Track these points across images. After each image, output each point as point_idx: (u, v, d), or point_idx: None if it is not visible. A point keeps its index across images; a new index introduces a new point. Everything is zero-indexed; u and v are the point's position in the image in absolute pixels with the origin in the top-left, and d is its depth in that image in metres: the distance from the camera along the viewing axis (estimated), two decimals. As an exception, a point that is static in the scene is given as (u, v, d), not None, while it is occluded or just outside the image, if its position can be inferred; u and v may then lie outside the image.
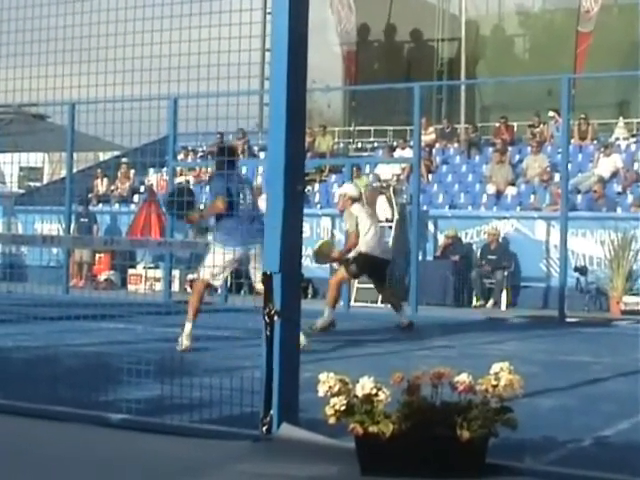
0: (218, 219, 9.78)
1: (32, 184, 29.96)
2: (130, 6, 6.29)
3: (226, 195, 9.58)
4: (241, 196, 9.77)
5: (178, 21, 6.21)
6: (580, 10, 24.75)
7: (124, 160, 25.43)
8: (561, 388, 7.55)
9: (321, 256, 12.77)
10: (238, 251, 9.54)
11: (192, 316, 9.59)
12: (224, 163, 9.62)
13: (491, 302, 18.41)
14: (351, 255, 12.17)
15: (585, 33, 24.87)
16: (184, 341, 9.42)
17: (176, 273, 19.40)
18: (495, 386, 4.48)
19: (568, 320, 14.64)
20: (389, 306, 12.86)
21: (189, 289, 20.27)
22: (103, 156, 28.45)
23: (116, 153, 26.61)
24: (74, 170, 20.33)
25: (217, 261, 9.59)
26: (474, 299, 18.67)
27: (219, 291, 16.10)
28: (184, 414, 5.53)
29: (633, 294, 16.64)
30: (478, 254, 18.95)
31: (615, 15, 26.53)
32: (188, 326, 9.50)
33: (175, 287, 19.02)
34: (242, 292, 12.95)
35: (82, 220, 21.57)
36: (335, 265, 13.75)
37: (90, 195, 24.14)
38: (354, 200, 12.30)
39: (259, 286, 9.73)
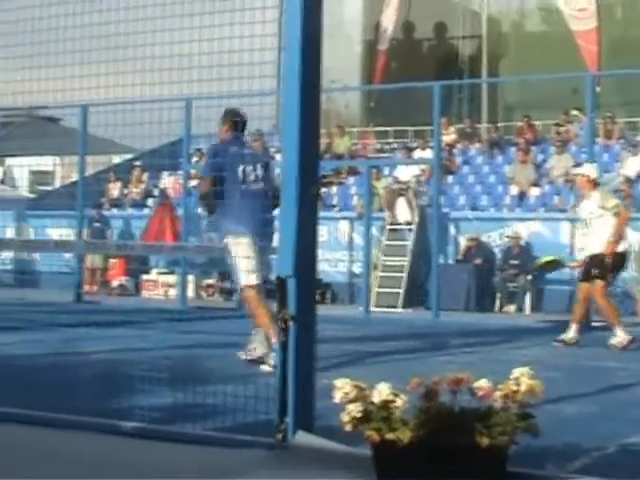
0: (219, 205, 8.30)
1: (43, 188, 29.83)
2: (143, 5, 6.18)
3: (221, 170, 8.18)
4: (246, 173, 8.41)
5: (192, 20, 6.11)
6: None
7: (137, 163, 25.25)
8: (586, 394, 7.37)
9: (547, 267, 11.95)
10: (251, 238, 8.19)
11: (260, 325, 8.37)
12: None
13: (515, 307, 18.19)
14: (595, 255, 11.20)
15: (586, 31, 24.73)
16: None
17: (191, 278, 19.17)
18: (515, 392, 4.37)
19: (593, 325, 14.35)
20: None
21: (205, 295, 20.17)
22: (116, 159, 28.34)
23: (129, 156, 26.45)
24: (86, 174, 20.20)
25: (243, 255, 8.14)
26: (497, 304, 18.42)
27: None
28: (198, 422, 5.42)
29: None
30: (500, 257, 18.75)
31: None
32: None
33: (190, 293, 18.80)
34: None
35: (95, 225, 21.33)
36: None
37: (103, 199, 23.91)
38: (596, 184, 11.38)
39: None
